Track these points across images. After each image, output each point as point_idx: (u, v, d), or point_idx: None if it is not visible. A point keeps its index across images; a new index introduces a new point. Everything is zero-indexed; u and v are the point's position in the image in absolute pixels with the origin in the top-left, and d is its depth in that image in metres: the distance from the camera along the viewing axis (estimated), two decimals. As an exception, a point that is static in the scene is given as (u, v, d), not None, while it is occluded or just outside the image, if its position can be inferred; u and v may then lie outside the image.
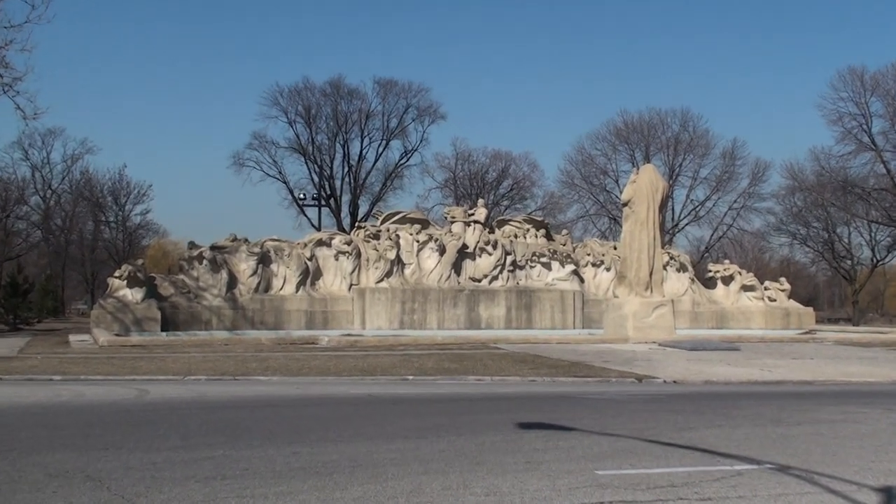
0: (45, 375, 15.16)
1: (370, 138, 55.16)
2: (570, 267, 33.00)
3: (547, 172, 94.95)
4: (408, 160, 56.42)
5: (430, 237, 31.56)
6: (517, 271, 32.63)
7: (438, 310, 30.90)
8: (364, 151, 55.13)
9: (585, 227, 57.75)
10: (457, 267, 31.79)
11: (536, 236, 33.66)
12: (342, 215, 54.12)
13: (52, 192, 54.34)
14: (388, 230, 31.31)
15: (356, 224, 35.22)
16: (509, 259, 32.30)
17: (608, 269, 33.63)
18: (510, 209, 58.31)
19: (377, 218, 33.03)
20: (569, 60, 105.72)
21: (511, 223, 34.12)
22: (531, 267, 32.86)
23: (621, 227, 30.43)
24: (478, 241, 32.18)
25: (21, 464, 7.37)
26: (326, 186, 54.10)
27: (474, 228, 32.51)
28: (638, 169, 28.79)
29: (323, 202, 52.44)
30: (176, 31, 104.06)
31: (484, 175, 59.19)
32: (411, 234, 31.62)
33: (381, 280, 30.55)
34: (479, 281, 31.99)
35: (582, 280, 33.47)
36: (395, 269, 30.78)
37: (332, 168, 54.26)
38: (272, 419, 10.07)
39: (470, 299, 31.37)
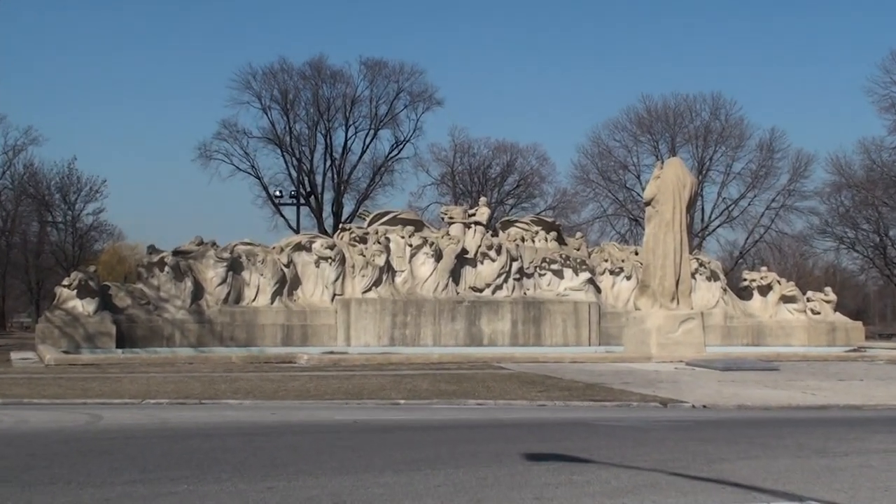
0: (-16, 399, 15.14)
1: (356, 127, 55.39)
2: (585, 275, 33.08)
3: (558, 166, 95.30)
4: (399, 152, 56.67)
5: (425, 241, 31.63)
6: (524, 280, 32.70)
7: (434, 324, 30.94)
8: (349, 142, 55.33)
9: (602, 229, 58.12)
10: (455, 275, 31.85)
11: (546, 240, 33.75)
12: (324, 215, 54.27)
13: (-10, 188, 54.31)
14: (376, 233, 31.38)
15: (340, 225, 35.28)
16: (515, 266, 32.38)
17: (628, 278, 33.71)
18: (516, 209, 58.54)
19: (364, 219, 33.11)
20: (583, 39, 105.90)
21: (517, 225, 34.20)
22: (540, 275, 32.93)
23: (643, 229, 30.51)
24: (479, 246, 32.25)
25: (-44, 500, 7.36)
26: (306, 182, 54.24)
27: (475, 231, 32.57)
28: (662, 163, 28.88)
29: (302, 200, 52.55)
30: (133, 6, 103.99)
31: (486, 170, 59.44)
32: (403, 238, 31.69)
33: (369, 289, 30.60)
34: (481, 291, 32.06)
35: (598, 290, 33.55)
36: (384, 278, 30.83)
37: (312, 161, 54.41)
38: (244, 449, 10.07)
39: (470, 312, 31.42)
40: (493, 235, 33.22)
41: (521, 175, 59.66)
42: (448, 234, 32.39)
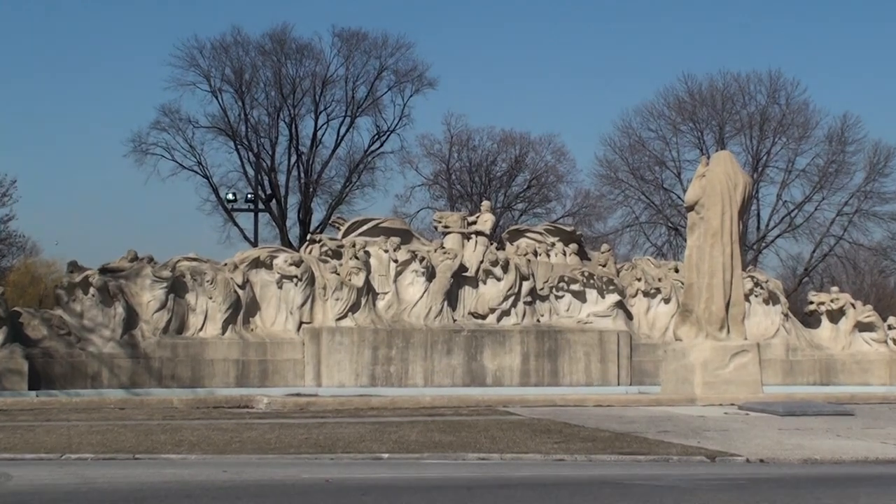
0: None
1: (328, 114, 55.66)
2: (613, 297, 33.17)
3: (579, 162, 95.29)
4: (382, 145, 56.96)
5: (414, 255, 31.70)
6: (537, 304, 32.78)
7: (425, 358, 30.97)
8: (320, 133, 55.59)
9: (635, 240, 58.37)
10: (452, 297, 31.92)
11: (565, 253, 33.85)
12: (288, 224, 54.43)
13: None
14: (353, 245, 31.43)
15: (308, 237, 35.34)
16: (526, 286, 32.46)
17: (667, 301, 33.81)
18: (527, 215, 58.84)
19: (338, 228, 33.17)
20: (609, 4, 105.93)
21: (529, 235, 34.31)
22: (557, 297, 33.03)
23: (685, 240, 30.55)
24: (481, 261, 32.34)
25: None
26: (266, 183, 54.39)
27: (476, 243, 32.67)
28: (708, 157, 28.98)
29: (261, 205, 52.56)
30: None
31: (490, 167, 59.70)
32: (387, 251, 31.76)
33: (344, 316, 30.63)
34: (484, 317, 32.13)
35: (630, 316, 33.64)
36: (363, 301, 30.87)
37: (273, 157, 54.61)
38: (188, 516, 10.04)
39: (470, 343, 31.47)
40: (498, 248, 33.28)
41: (532, 173, 59.93)
42: (442, 246, 32.47)
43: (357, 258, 31.08)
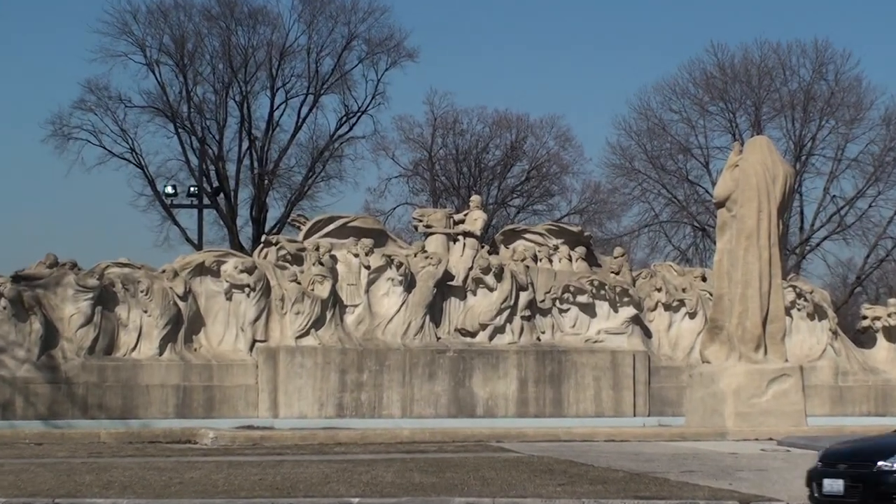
0: None
1: (287, 91, 55.50)
2: (629, 311, 33.23)
3: (588, 149, 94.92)
4: (352, 129, 56.74)
5: (390, 261, 31.72)
6: (538, 319, 32.86)
7: (404, 384, 30.99)
8: (277, 114, 55.41)
9: (654, 242, 58.51)
10: (435, 311, 31.97)
11: (571, 258, 33.94)
12: (239, 223, 54.25)
13: None
14: (317, 249, 31.44)
15: (263, 238, 35.26)
16: (524, 298, 32.50)
17: (692, 315, 33.91)
18: (526, 213, 58.89)
19: (299, 228, 33.18)
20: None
21: (527, 237, 34.38)
22: (561, 311, 33.10)
23: (714, 242, 30.60)
24: (470, 268, 32.40)
25: None
26: (212, 173, 54.24)
27: (464, 246, 32.73)
28: (742, 144, 29.06)
29: (206, 200, 52.49)
30: None
31: (481, 155, 59.79)
32: (357, 256, 31.78)
33: (306, 333, 30.64)
34: (473, 335, 32.20)
35: (648, 333, 33.73)
36: (329, 315, 30.87)
37: (221, 142, 54.39)
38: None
39: (457, 366, 31.50)
40: (490, 252, 33.34)
41: (532, 163, 60.01)
42: (424, 250, 32.50)
43: (321, 264, 31.08)
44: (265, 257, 31.81)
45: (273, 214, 54.93)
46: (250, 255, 33.07)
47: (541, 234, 34.43)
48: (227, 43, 53.86)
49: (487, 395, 31.59)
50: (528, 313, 32.56)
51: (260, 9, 54.70)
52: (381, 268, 31.71)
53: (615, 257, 34.90)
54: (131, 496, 15.55)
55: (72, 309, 29.38)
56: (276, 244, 32.11)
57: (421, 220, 33.45)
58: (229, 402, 29.77)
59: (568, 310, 33.12)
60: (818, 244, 56.94)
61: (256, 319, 30.59)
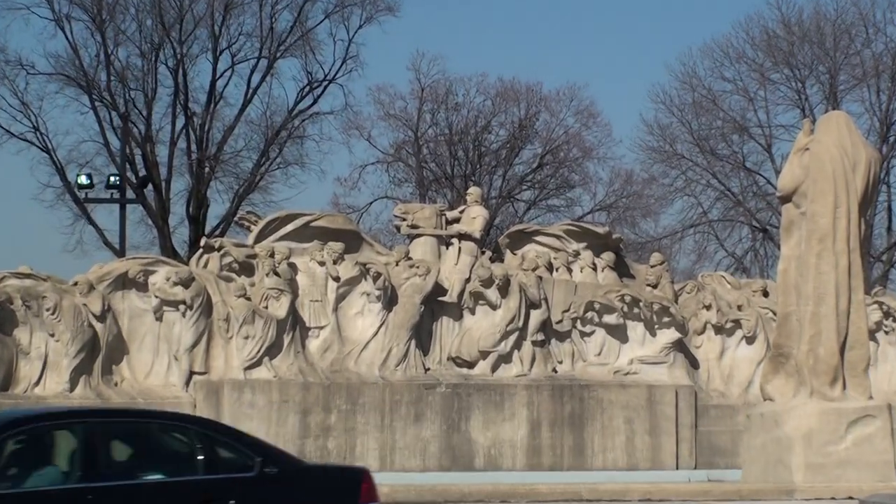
0: None
1: (233, 55, 55.49)
2: (669, 334, 33.10)
3: (617, 128, 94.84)
4: (316, 102, 56.79)
5: (365, 270, 31.59)
6: (554, 344, 32.75)
7: (382, 427, 30.85)
8: (221, 84, 55.43)
9: (701, 247, 58.62)
10: (423, 334, 31.85)
11: (596, 267, 33.83)
12: (172, 222, 54.31)
13: None
14: (271, 255, 31.32)
15: (203, 241, 35.08)
16: (536, 317, 32.37)
17: (750, 340, 33.84)
18: (538, 209, 59.08)
19: (248, 229, 33.00)
20: None
21: (541, 240, 34.26)
22: (584, 335, 32.97)
23: (777, 246, 30.45)
24: (468, 279, 32.28)
25: None
26: (138, 160, 54.16)
27: (460, 251, 32.59)
28: (814, 122, 28.95)
29: (131, 194, 52.45)
30: None
31: (481, 136, 59.78)
32: (323, 264, 31.64)
33: (257, 363, 30.48)
34: (472, 365, 32.08)
35: (694, 363, 33.66)
36: (286, 340, 30.73)
37: (149, 119, 54.37)
38: None
39: (451, 405, 31.38)
40: (493, 260, 33.26)
41: (546, 145, 60.08)
42: (408, 256, 32.40)
43: (277, 274, 30.95)
44: (205, 266, 31.62)
45: (216, 211, 55.03)
46: (186, 264, 32.95)
47: (557, 237, 34.30)
48: (158, -6, 53.86)
49: (489, 442, 31.48)
50: (541, 337, 32.44)
51: (198, -49, 54.73)
52: (354, 279, 31.57)
53: (652, 266, 34.77)
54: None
55: (-44, 332, 29.33)
56: (219, 249, 31.89)
57: (404, 219, 33.27)
58: (159, 453, 29.67)
59: (592, 333, 32.99)
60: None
61: (194, 346, 30.42)
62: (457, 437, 31.33)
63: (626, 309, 32.95)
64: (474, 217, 33.06)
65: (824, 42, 56.67)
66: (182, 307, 30.51)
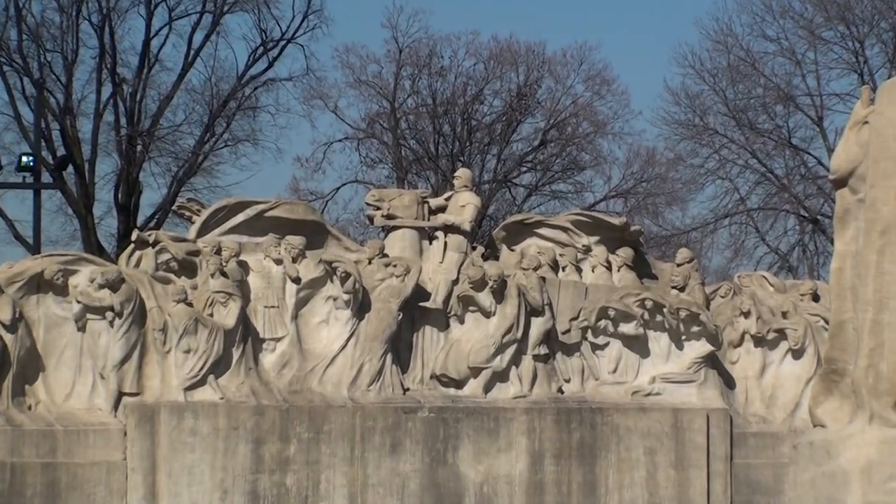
0: None
1: (171, 9, 55.55)
2: (699, 347, 33.12)
3: (636, 97, 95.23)
4: (272, 66, 56.88)
5: (332, 270, 31.60)
6: (560, 359, 32.84)
7: (352, 460, 30.85)
8: (157, 44, 55.46)
9: (738, 241, 58.70)
10: (401, 348, 31.91)
11: (610, 266, 33.91)
12: (98, 212, 54.43)
13: None
14: (217, 251, 31.32)
15: (135, 235, 35.03)
16: (538, 327, 32.41)
17: (797, 354, 33.92)
18: (541, 196, 59.22)
19: (190, 220, 32.98)
20: None
21: (544, 232, 34.30)
22: (596, 347, 33.03)
23: (831, 241, 30.42)
24: (455, 281, 32.32)
25: None
26: (56, 137, 54.12)
27: (446, 247, 32.65)
28: (874, 89, 28.99)
29: (49, 177, 52.44)
30: None
31: (471, 107, 59.79)
32: (280, 262, 31.63)
33: (201, 382, 30.47)
34: (460, 384, 32.11)
35: (730, 382, 33.73)
36: (236, 355, 30.74)
37: (69, 87, 54.37)
38: None
39: (435, 432, 31.39)
40: (486, 257, 33.37)
41: (551, 118, 60.18)
42: (384, 253, 32.43)
43: (225, 275, 30.98)
44: (137, 265, 31.55)
45: (150, 199, 55.14)
46: (115, 262, 32.94)
47: (564, 229, 34.32)
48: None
49: (482, 478, 31.48)
50: (544, 351, 32.48)
51: None
52: (318, 280, 31.57)
53: (679, 264, 34.80)
54: None
55: None
56: (154, 245, 31.84)
57: (379, 208, 33.27)
58: (81, 490, 29.57)
59: (606, 345, 33.05)
60: None
61: (124, 361, 30.34)
62: (442, 472, 31.32)
63: (647, 316, 33.02)
64: (463, 205, 33.02)
65: (886, -7, 57.02)
66: (109, 315, 30.43)
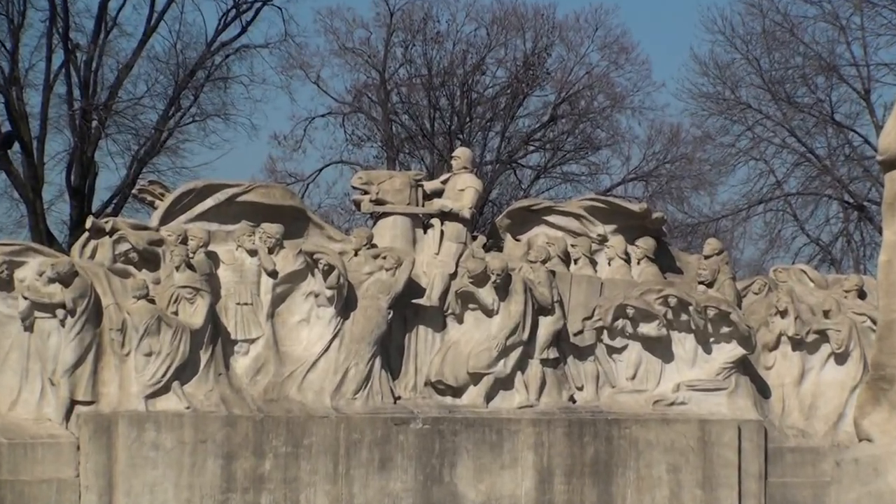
0: None
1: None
2: (730, 351, 33.14)
3: (658, 68, 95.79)
4: (244, 32, 56.85)
5: (313, 262, 31.57)
6: (571, 363, 32.88)
7: (336, 478, 30.85)
8: (114, 6, 55.53)
9: (774, 230, 58.67)
10: (392, 351, 31.95)
11: (629, 258, 33.94)
12: (47, 196, 54.49)
13: None
14: (183, 241, 31.29)
15: (89, 222, 35.02)
16: (547, 326, 32.43)
17: (840, 357, 33.98)
18: (550, 178, 59.16)
19: (152, 205, 32.93)
20: None
21: (554, 220, 34.34)
22: (613, 350, 33.08)
23: (879, 231, 30.32)
24: (452, 275, 32.33)
25: None
26: (1, 111, 54.11)
27: (443, 236, 32.65)
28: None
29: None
30: None
31: (471, 78, 59.73)
32: (254, 254, 31.60)
33: (164, 388, 30.46)
34: (458, 392, 32.16)
35: (764, 390, 33.80)
36: (204, 358, 30.72)
37: (15, 55, 54.32)
38: None
39: (430, 446, 31.40)
40: (489, 248, 33.40)
41: (562, 91, 60.17)
42: (372, 244, 32.44)
43: (192, 267, 30.95)
44: (92, 256, 31.56)
45: (107, 181, 55.17)
46: (67, 253, 32.90)
47: (577, 217, 34.31)
48: None
49: (482, 499, 31.49)
50: (553, 354, 32.49)
51: None
52: (297, 274, 31.56)
53: (707, 256, 34.83)
54: None
55: None
56: (111, 233, 31.80)
57: (367, 192, 33.25)
58: (29, 511, 29.68)
59: (624, 348, 33.07)
60: None
61: (77, 365, 30.26)
62: (438, 492, 31.34)
63: (670, 315, 33.03)
64: (462, 189, 33.01)
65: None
66: (60, 312, 30.35)
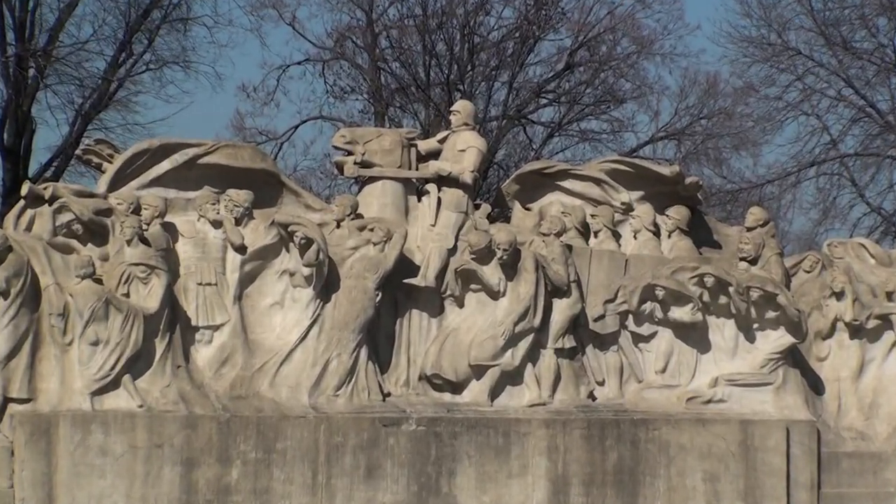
0: None
1: None
2: (777, 339, 33.10)
3: (692, 8, 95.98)
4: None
5: (288, 235, 31.47)
6: (591, 353, 32.86)
7: (314, 488, 30.82)
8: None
9: (827, 197, 58.74)
10: (380, 338, 31.94)
11: (658, 231, 33.89)
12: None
13: None
14: (134, 209, 31.21)
15: (26, 188, 35.02)
16: (563, 310, 32.41)
17: (911, 347, 33.87)
18: (567, 137, 59.17)
19: (99, 167, 32.88)
20: None
21: (569, 186, 34.34)
22: (639, 338, 33.06)
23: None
24: (451, 251, 32.25)
25: None
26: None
27: (440, 205, 32.58)
28: None
29: None
30: None
31: (473, 19, 59.82)
32: (219, 225, 31.52)
33: (113, 383, 30.42)
34: (458, 388, 32.14)
35: (817, 387, 33.77)
36: (160, 347, 30.70)
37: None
38: None
39: (425, 450, 31.38)
40: (493, 218, 33.36)
41: (578, 35, 60.14)
42: (357, 213, 32.36)
43: (146, 241, 30.86)
44: (29, 228, 31.50)
45: (46, 139, 55.46)
46: (0, 225, 32.83)
47: (597, 182, 34.25)
48: None
49: (488, 510, 31.56)
50: (570, 343, 32.46)
51: None
52: (269, 249, 31.53)
53: (749, 228, 34.74)
54: None
55: None
56: (51, 202, 31.77)
57: (351, 152, 33.18)
58: (-46, 526, 29.64)
59: (652, 336, 33.05)
60: None
61: (11, 356, 30.25)
62: (434, 503, 31.35)
63: (707, 297, 32.97)
64: (463, 149, 32.90)
65: None
66: (-6, 298, 30.44)
